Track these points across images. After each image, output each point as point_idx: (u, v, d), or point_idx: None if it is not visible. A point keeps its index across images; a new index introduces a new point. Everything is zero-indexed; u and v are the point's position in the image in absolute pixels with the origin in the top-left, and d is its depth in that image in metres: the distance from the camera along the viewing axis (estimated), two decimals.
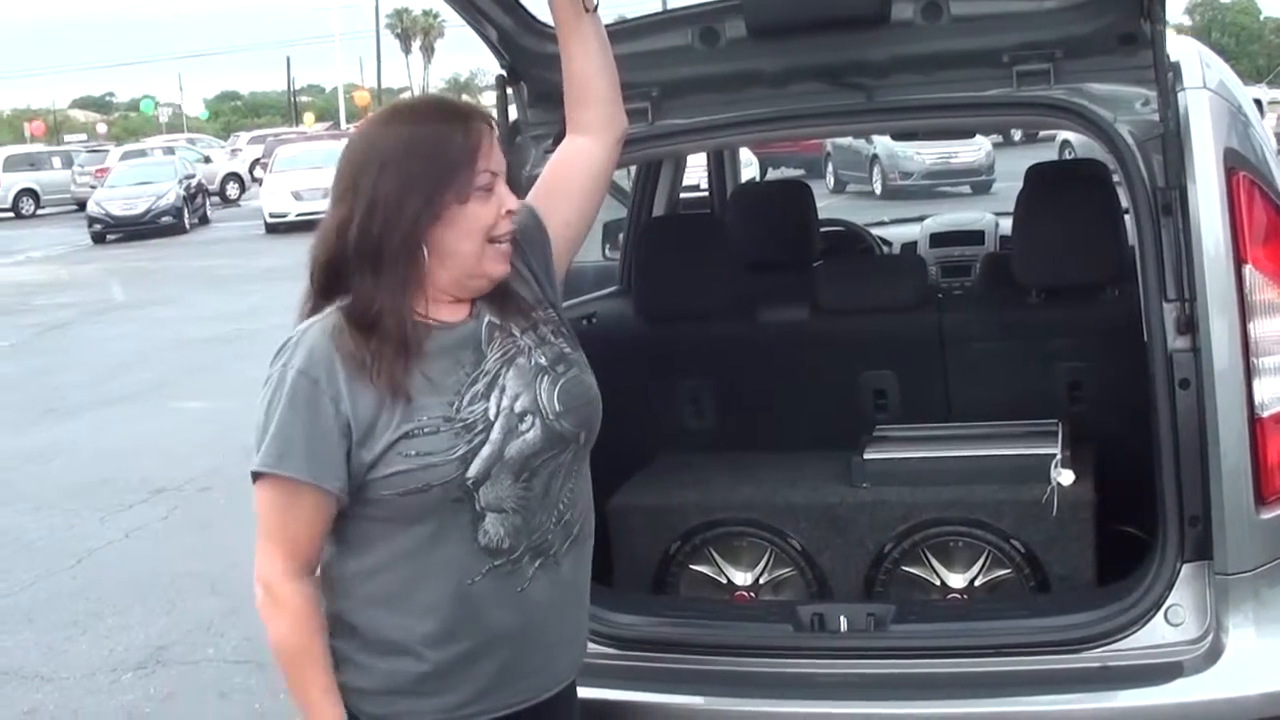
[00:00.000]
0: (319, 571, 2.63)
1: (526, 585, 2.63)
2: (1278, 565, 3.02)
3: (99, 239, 32.78)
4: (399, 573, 2.59)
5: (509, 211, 2.60)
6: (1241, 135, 3.07)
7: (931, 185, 25.89)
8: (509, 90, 3.57)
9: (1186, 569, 3.05)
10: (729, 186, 6.48)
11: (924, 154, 26.00)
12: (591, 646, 2.97)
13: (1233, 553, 2.99)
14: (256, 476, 2.56)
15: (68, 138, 73.11)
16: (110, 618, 7.20)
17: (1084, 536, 3.44)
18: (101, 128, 79.62)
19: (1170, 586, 3.06)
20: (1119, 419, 3.57)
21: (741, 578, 3.71)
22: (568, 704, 2.87)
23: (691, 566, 3.72)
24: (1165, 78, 3.01)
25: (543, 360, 2.67)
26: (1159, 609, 3.06)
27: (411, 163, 2.54)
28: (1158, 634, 3.06)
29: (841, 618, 3.29)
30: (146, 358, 15.64)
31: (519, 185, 2.92)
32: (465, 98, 3.41)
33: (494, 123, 2.69)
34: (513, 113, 3.62)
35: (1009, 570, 3.50)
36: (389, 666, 2.62)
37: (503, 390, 2.60)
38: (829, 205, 25.77)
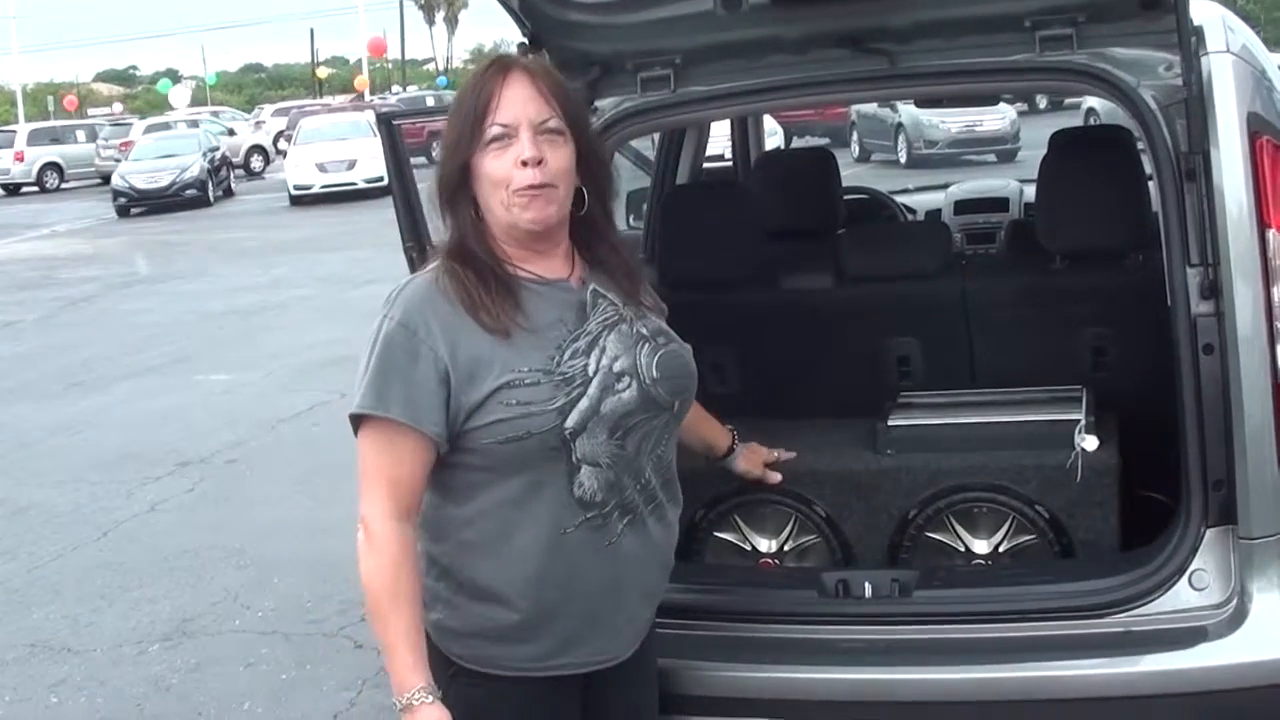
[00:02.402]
0: (420, 516, 2.74)
1: (615, 540, 2.74)
2: None
3: (123, 212, 32.84)
4: (496, 520, 2.70)
5: (524, 162, 2.66)
6: (1265, 99, 3.05)
7: (957, 154, 25.75)
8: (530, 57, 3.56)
9: (1210, 534, 3.05)
10: (753, 154, 6.47)
11: (949, 122, 25.88)
12: None
13: (1257, 517, 2.98)
14: (357, 422, 2.66)
15: (91, 111, 73.24)
16: (136, 590, 7.28)
17: (1108, 502, 3.43)
18: (117, 106, 79.63)
19: (1194, 551, 3.06)
20: (1143, 385, 3.56)
21: (766, 545, 3.71)
22: (643, 667, 2.96)
23: (716, 534, 3.72)
24: (1189, 42, 2.98)
25: (644, 330, 2.82)
26: (1183, 574, 3.06)
27: (452, 117, 2.73)
28: (1182, 599, 3.06)
29: (866, 584, 3.30)
30: (171, 331, 15.71)
31: None
32: None
33: (535, 72, 2.74)
34: None
35: (1033, 536, 3.49)
36: (480, 610, 2.73)
37: (603, 350, 2.73)
38: (854, 174, 25.69)
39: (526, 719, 2.72)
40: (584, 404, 2.68)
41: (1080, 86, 3.30)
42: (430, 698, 2.62)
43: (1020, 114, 27.34)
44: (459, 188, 2.73)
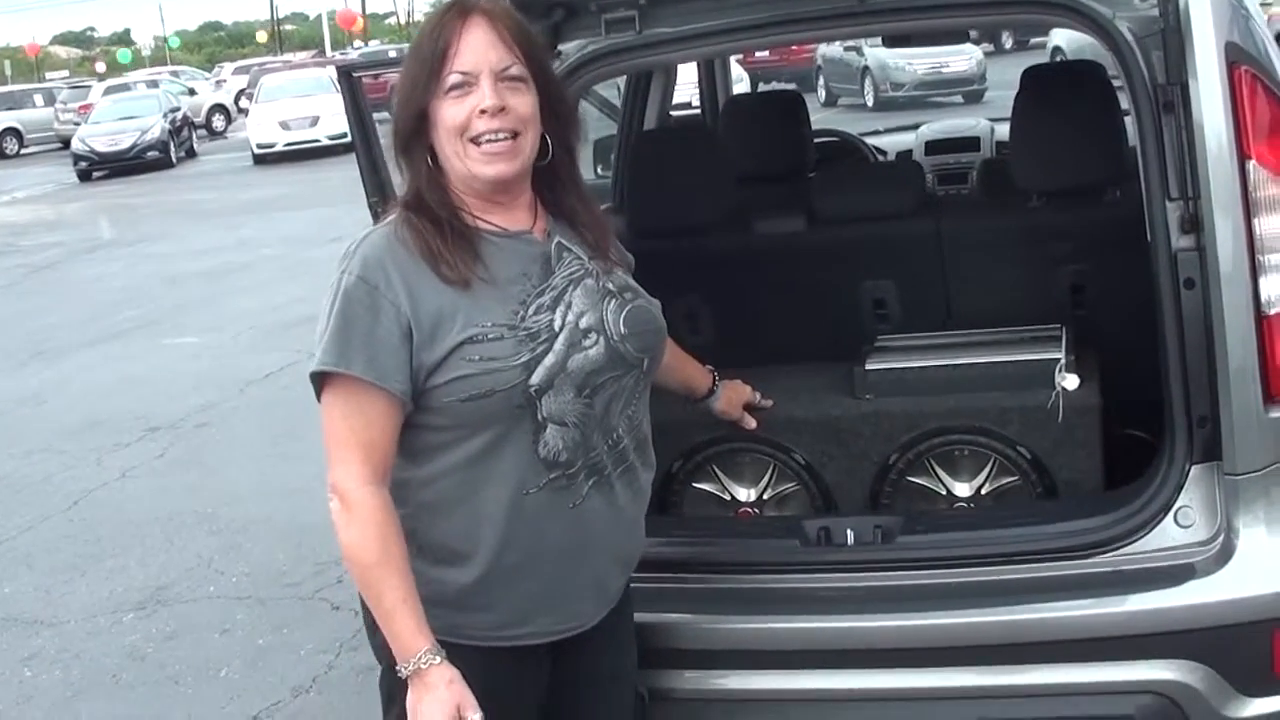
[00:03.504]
0: None
1: (580, 502, 2.68)
2: None
3: (85, 176, 32.52)
4: (458, 480, 2.63)
5: (483, 111, 2.58)
6: (1243, 29, 2.98)
7: (924, 95, 25.77)
8: None
9: (1195, 470, 3.01)
10: (721, 99, 6.40)
11: (915, 64, 25.91)
12: None
13: (1242, 452, 2.94)
14: (320, 383, 2.58)
15: (49, 75, 72.54)
16: (109, 559, 7.23)
17: (1090, 441, 3.39)
18: (100, 66, 78.96)
19: (1179, 489, 3.02)
20: (1123, 321, 3.52)
21: (745, 494, 3.66)
22: (616, 633, 2.90)
23: (694, 484, 3.67)
24: None
25: (611, 285, 2.75)
26: (1168, 511, 3.02)
27: (409, 63, 2.64)
28: (1168, 537, 3.02)
29: (848, 531, 3.25)
30: (136, 295, 15.59)
31: None
32: None
33: (496, 16, 2.66)
34: None
35: (1015, 477, 3.45)
36: (440, 574, 2.65)
37: (569, 306, 2.66)
38: (821, 118, 25.36)
39: (489, 689, 2.60)
40: (550, 360, 2.61)
41: (1055, 19, 3.23)
42: (438, 658, 2.55)
43: (987, 54, 27.35)
44: (414, 136, 2.65)
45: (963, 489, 3.52)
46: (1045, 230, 3.98)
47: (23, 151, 42.69)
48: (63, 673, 5.92)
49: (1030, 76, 4.18)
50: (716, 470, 3.66)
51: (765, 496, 3.65)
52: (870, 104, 26.99)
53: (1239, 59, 2.91)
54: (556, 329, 2.63)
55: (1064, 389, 3.35)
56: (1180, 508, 3.02)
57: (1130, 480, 3.24)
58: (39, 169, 36.97)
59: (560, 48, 3.50)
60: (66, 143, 36.14)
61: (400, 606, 2.55)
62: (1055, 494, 3.42)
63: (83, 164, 32.63)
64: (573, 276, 2.71)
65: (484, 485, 2.62)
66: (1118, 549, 3.03)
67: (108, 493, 8.40)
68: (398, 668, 2.57)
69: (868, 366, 3.61)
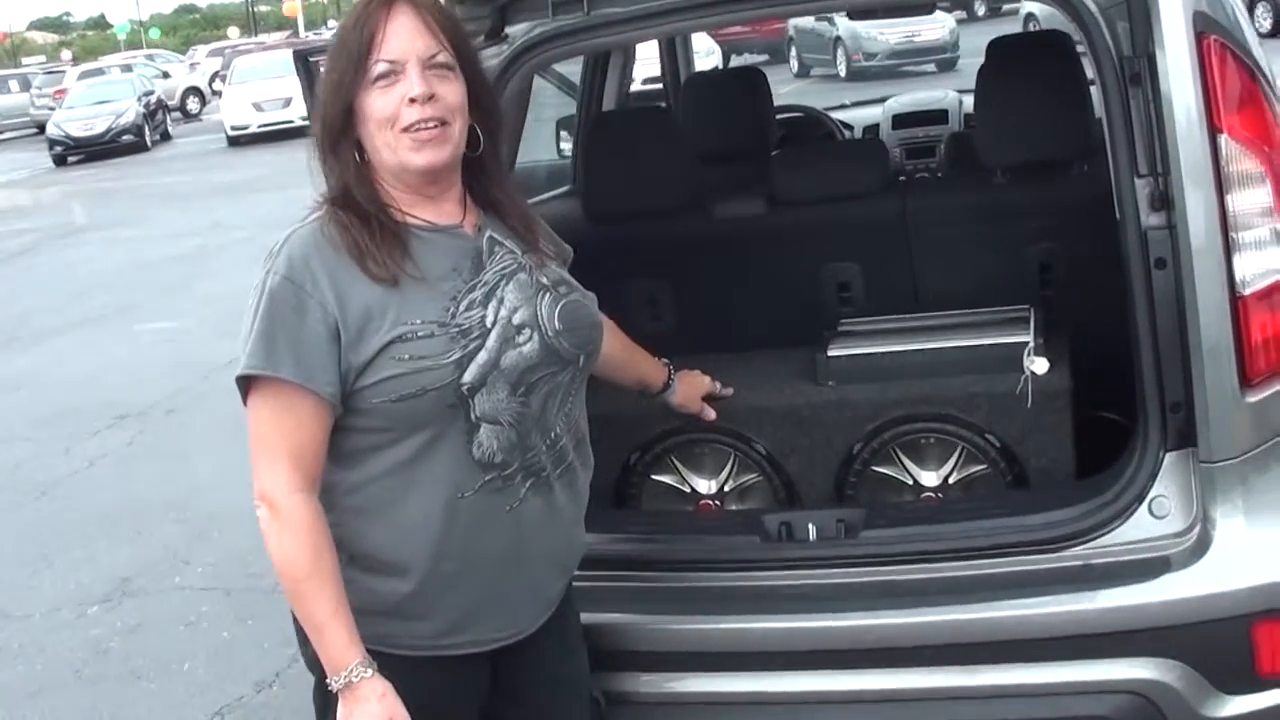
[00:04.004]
0: None
1: (517, 505, 2.58)
2: (1266, 450, 2.85)
3: (60, 161, 32.43)
4: (389, 485, 2.54)
5: (412, 100, 2.49)
6: None
7: (896, 65, 25.77)
8: None
9: (1170, 458, 2.90)
10: (684, 76, 6.27)
11: (887, 34, 25.92)
12: None
13: (1217, 439, 2.83)
14: (246, 387, 2.48)
15: (26, 60, 72.21)
16: (76, 550, 7.15)
17: (1061, 427, 3.28)
18: (66, 54, 78.66)
19: (1153, 477, 2.90)
20: (1093, 301, 3.40)
21: (705, 486, 3.55)
22: (561, 638, 2.81)
23: (653, 476, 3.56)
24: None
25: (544, 280, 2.65)
26: (1142, 501, 2.90)
27: (334, 56, 2.56)
28: (1142, 527, 2.90)
29: (810, 525, 3.14)
30: (110, 281, 15.48)
31: None
32: None
33: (422, 4, 2.57)
34: None
35: (984, 466, 3.35)
36: (372, 584, 2.56)
37: (501, 301, 2.57)
38: (794, 89, 25.65)
39: (424, 700, 2.51)
40: (482, 357, 2.52)
41: None
42: (369, 671, 2.46)
43: (959, 22, 27.27)
44: (342, 132, 2.56)
45: (930, 478, 3.41)
46: (1011, 207, 3.86)
47: None
48: (26, 667, 5.85)
49: (994, 49, 4.06)
50: (675, 462, 3.55)
51: (726, 488, 3.54)
52: (843, 74, 26.99)
53: (1208, 28, 2.79)
54: (489, 325, 2.54)
55: (1033, 373, 3.24)
56: (1155, 497, 2.90)
57: (1104, 465, 3.12)
58: (14, 155, 36.83)
59: (507, 29, 3.38)
60: (42, 128, 36.01)
61: (331, 620, 2.45)
62: (1026, 483, 3.32)
63: (58, 149, 32.55)
64: (505, 271, 2.62)
65: (416, 490, 2.53)
66: (1090, 541, 2.92)
67: (76, 482, 8.32)
68: (329, 681, 2.48)
69: (829, 353, 3.50)
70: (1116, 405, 3.31)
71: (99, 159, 31.77)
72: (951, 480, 3.39)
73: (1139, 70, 2.84)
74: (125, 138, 32.72)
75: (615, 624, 3.04)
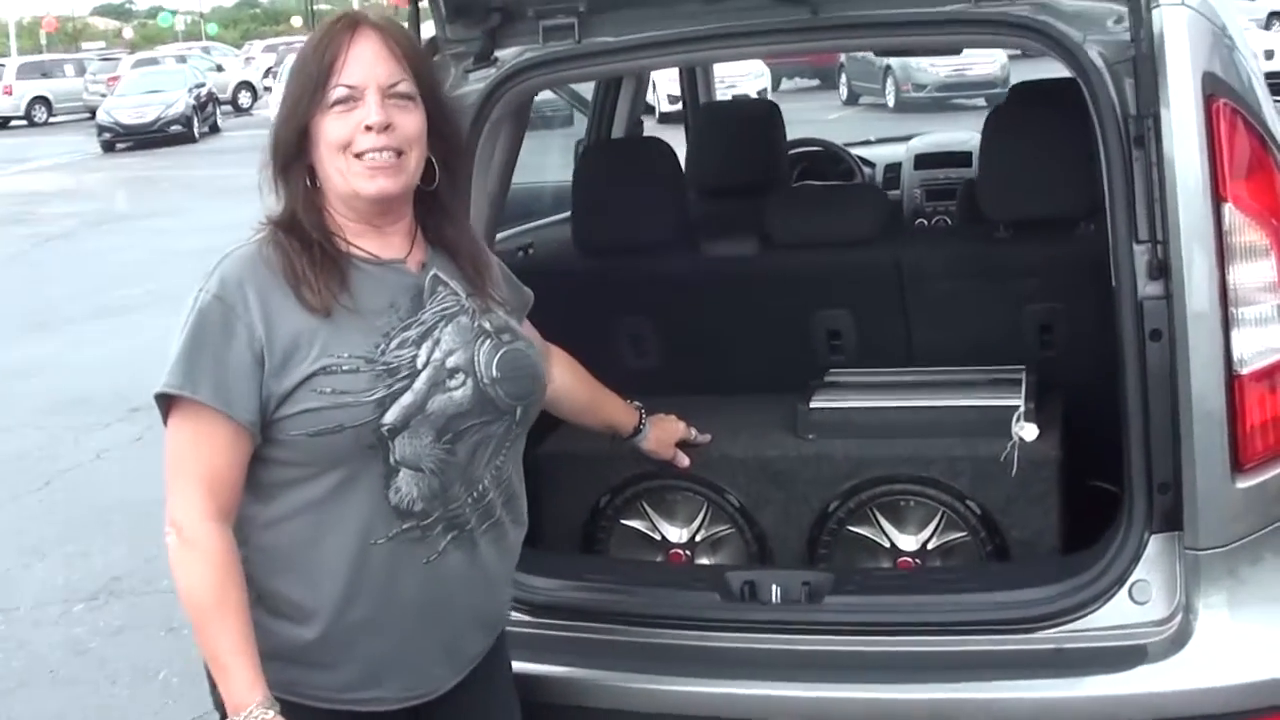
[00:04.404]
0: None
1: (435, 558, 2.47)
2: (1258, 539, 2.71)
3: (108, 147, 32.71)
4: (301, 524, 2.43)
5: (368, 127, 2.41)
6: (1225, 59, 2.73)
7: (946, 97, 25.59)
8: (425, 4, 3.26)
9: (1154, 541, 2.75)
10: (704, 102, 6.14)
11: (937, 66, 25.68)
12: None
13: (1205, 525, 2.68)
14: (165, 407, 2.40)
15: (86, 45, 72.79)
16: (70, 545, 7.10)
17: (1047, 498, 3.14)
18: (127, 32, 79.28)
19: (1136, 560, 2.76)
20: (1093, 365, 3.23)
21: (676, 534, 3.42)
22: (488, 696, 2.68)
23: (623, 521, 3.44)
24: None
25: (487, 325, 2.55)
26: (1123, 585, 2.75)
27: (294, 76, 2.51)
28: (1121, 613, 2.75)
29: (774, 586, 3.00)
30: (141, 270, 15.47)
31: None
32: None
33: (387, 31, 2.49)
34: (429, 29, 3.33)
35: (964, 533, 3.20)
36: (277, 627, 2.44)
37: (436, 343, 2.47)
38: (842, 117, 25.58)
39: None
40: (407, 399, 2.40)
41: (1020, 41, 2.96)
42: (270, 712, 2.33)
43: (1011, 58, 27.08)
44: (295, 155, 2.47)
45: (908, 542, 3.27)
46: (1012, 264, 3.71)
47: (51, 120, 42.82)
48: (3, 663, 5.79)
49: (1014, 94, 3.92)
50: (646, 508, 3.42)
51: (698, 538, 3.41)
52: (891, 104, 26.92)
53: (1218, 91, 2.67)
54: (419, 366, 2.43)
55: (1020, 439, 3.10)
56: (1136, 581, 2.75)
57: (1095, 538, 2.98)
58: (65, 138, 37.04)
59: (497, 54, 3.27)
60: (94, 113, 36.27)
61: (233, 657, 2.33)
62: (1006, 554, 3.18)
63: (107, 135, 32.86)
64: (445, 312, 2.51)
65: (328, 532, 2.42)
66: (1065, 624, 2.78)
67: (81, 474, 8.27)
68: None
69: (812, 404, 3.36)
70: (1112, 475, 3.15)
71: (146, 147, 31.97)
72: (930, 546, 3.25)
73: (1143, 131, 2.71)
74: (174, 128, 33.02)
75: (557, 677, 2.92)
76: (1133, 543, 2.77)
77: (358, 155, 2.41)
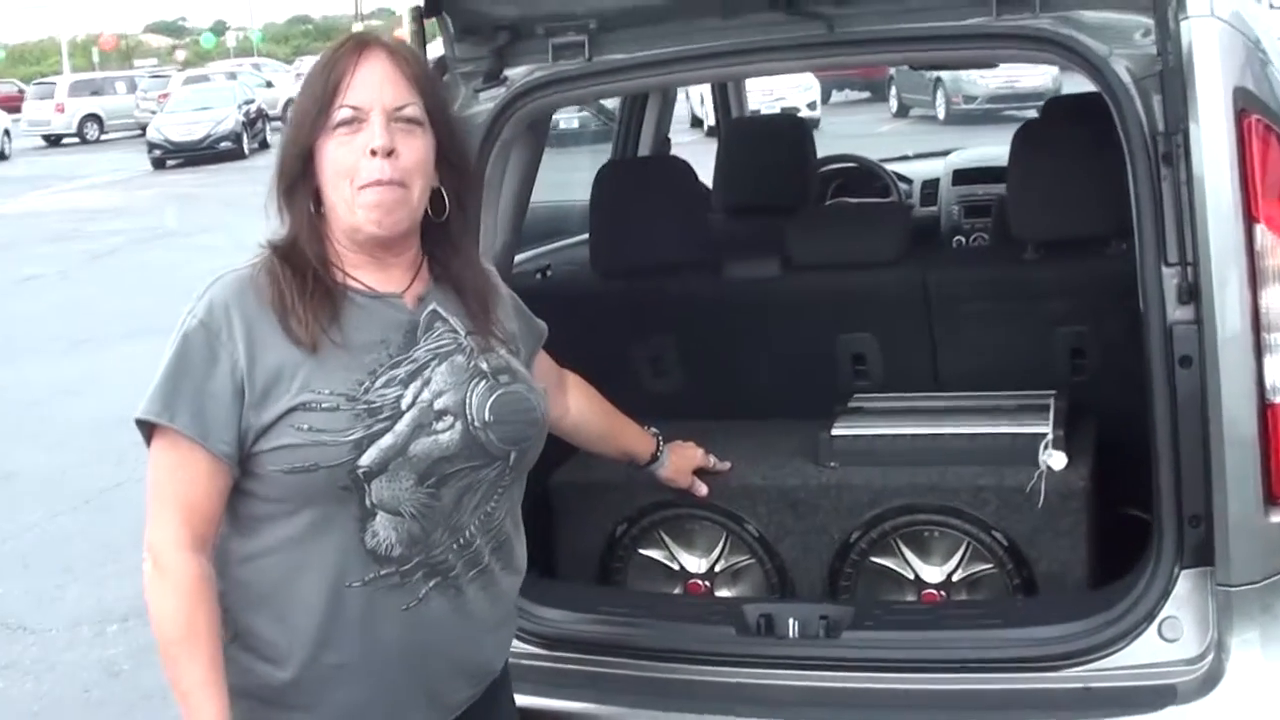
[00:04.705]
0: None
1: (415, 605, 2.37)
2: None
3: (158, 165, 32.77)
4: (279, 561, 2.34)
5: (373, 151, 2.31)
6: (1257, 73, 2.62)
7: (996, 109, 25.36)
8: (430, 22, 3.21)
9: (1185, 576, 2.66)
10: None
11: (987, 78, 25.50)
12: (516, 645, 2.65)
13: (1238, 560, 2.58)
14: (147, 433, 2.32)
15: (138, 62, 73.36)
16: (107, 565, 7.04)
17: (1075, 530, 3.03)
18: (180, 54, 79.90)
19: (1166, 595, 2.66)
20: (1126, 389, 3.12)
21: (695, 564, 3.34)
22: None
23: (640, 551, 3.36)
24: (1164, 4, 2.58)
25: (483, 366, 2.43)
26: (1152, 621, 2.66)
27: (300, 97, 2.42)
28: (1150, 651, 2.66)
29: (792, 620, 2.92)
30: (189, 287, 14.76)
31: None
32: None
33: (396, 52, 2.40)
34: (438, 48, 3.26)
35: (990, 565, 3.10)
36: (251, 665, 2.36)
37: (426, 383, 2.37)
38: (892, 129, 25.44)
39: None
40: (387, 440, 2.30)
41: (1043, 55, 2.88)
42: None
43: (1062, 70, 26.87)
44: (300, 178, 2.37)
45: (933, 574, 3.17)
46: (1042, 285, 3.60)
47: (103, 137, 43.02)
48: (34, 685, 5.75)
49: (1049, 107, 3.82)
50: (664, 537, 3.34)
51: (717, 568, 3.33)
52: (942, 117, 26.86)
53: (1250, 106, 2.56)
54: (403, 407, 2.33)
55: (1048, 468, 2.99)
56: (1166, 618, 2.66)
57: (1127, 569, 2.87)
58: (116, 155, 37.24)
59: (506, 72, 3.21)
60: (145, 130, 36.40)
61: (198, 690, 2.24)
62: (1034, 586, 3.08)
63: (157, 152, 32.95)
64: (439, 351, 2.40)
65: (304, 571, 2.33)
66: (1092, 661, 2.68)
67: (120, 494, 8.19)
68: None
69: (834, 432, 3.27)
70: (1146, 503, 3.04)
71: (196, 164, 32.03)
72: (955, 578, 3.16)
73: (1171, 149, 2.61)
74: (223, 144, 33.09)
75: (569, 713, 2.86)
76: (1162, 577, 2.68)
77: (361, 187, 2.32)
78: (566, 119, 6.41)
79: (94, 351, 12.41)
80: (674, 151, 5.89)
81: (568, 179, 5.07)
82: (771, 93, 25.09)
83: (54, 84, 45.02)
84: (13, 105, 44.61)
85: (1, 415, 10.37)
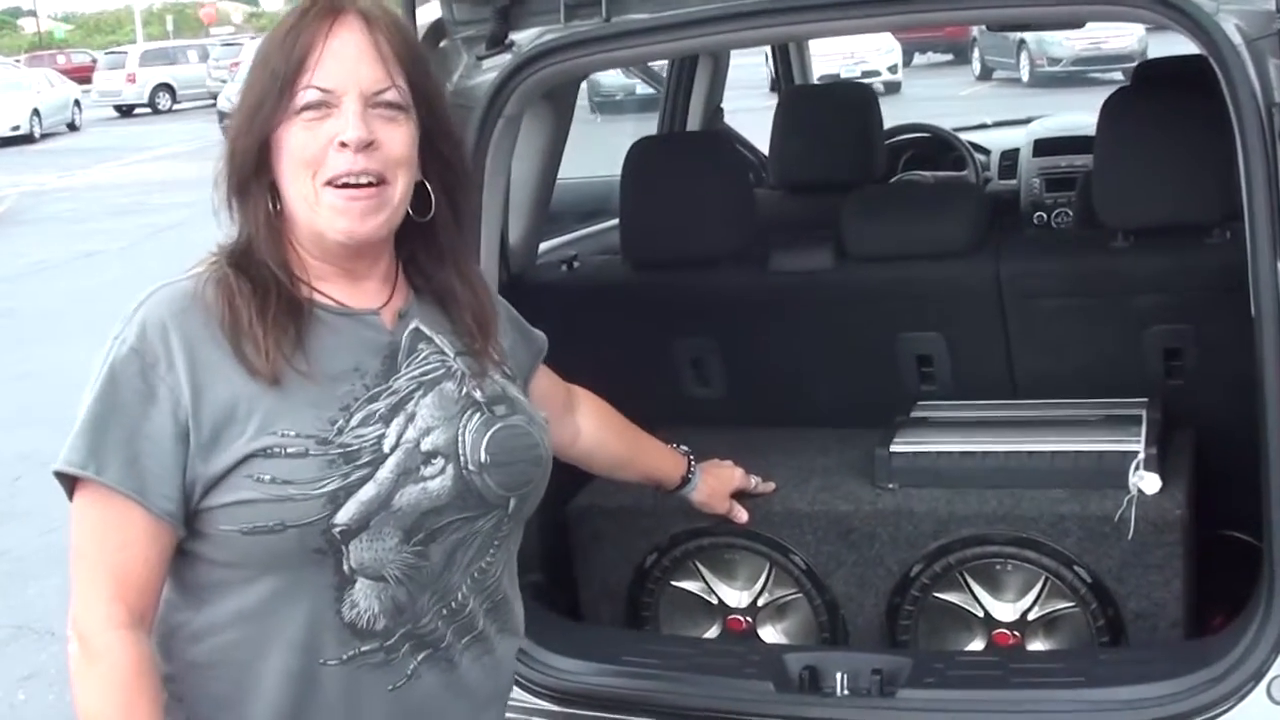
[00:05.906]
0: None
1: (404, 684, 2.00)
2: None
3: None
4: (236, 636, 1.96)
5: (344, 144, 1.91)
6: None
7: (1081, 71, 25.14)
8: None
9: None
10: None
11: (1073, 39, 25.24)
12: (525, 700, 2.40)
13: None
14: (69, 485, 1.91)
15: (215, 31, 73.69)
16: None
17: (1169, 565, 2.65)
18: (237, 16, 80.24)
19: (1277, 650, 2.28)
20: (1228, 398, 2.75)
21: (735, 598, 2.97)
22: None
23: (674, 583, 2.99)
24: None
25: (477, 395, 2.04)
26: (1260, 681, 2.29)
27: (255, 68, 2.01)
28: (1257, 715, 2.28)
29: (840, 674, 2.55)
30: None
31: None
32: None
33: (376, 21, 1.98)
34: (434, 10, 2.88)
35: (1072, 603, 2.71)
36: None
37: (410, 418, 1.99)
38: (975, 93, 25.02)
39: None
40: (367, 492, 1.91)
41: (1139, 12, 2.50)
42: None
43: (1149, 29, 26.39)
44: (255, 172, 1.97)
45: (1005, 611, 2.80)
46: (1132, 278, 3.18)
47: (175, 107, 43.17)
48: (56, 697, 5.51)
49: (1140, 72, 3.40)
50: (700, 567, 2.97)
51: (760, 603, 2.96)
52: (1025, 79, 26.63)
53: None
54: (386, 450, 1.94)
55: (1139, 492, 2.61)
56: (1276, 677, 2.28)
57: (1231, 599, 2.54)
58: (187, 125, 37.28)
59: (512, 36, 2.84)
60: (216, 99, 36.34)
61: None
62: (1121, 628, 2.71)
63: (227, 121, 32.60)
64: (425, 378, 2.02)
65: (268, 648, 1.95)
66: None
67: None
68: None
69: (893, 448, 2.89)
70: (1251, 525, 2.64)
71: None
72: (1031, 617, 2.78)
73: None
74: None
75: None
76: (1273, 628, 2.30)
77: (328, 182, 1.93)
78: (641, 85, 6.01)
79: None
80: (748, 120, 5.49)
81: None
82: (853, 55, 24.76)
83: (125, 54, 45.18)
84: (84, 76, 44.68)
85: (46, 400, 9.98)
